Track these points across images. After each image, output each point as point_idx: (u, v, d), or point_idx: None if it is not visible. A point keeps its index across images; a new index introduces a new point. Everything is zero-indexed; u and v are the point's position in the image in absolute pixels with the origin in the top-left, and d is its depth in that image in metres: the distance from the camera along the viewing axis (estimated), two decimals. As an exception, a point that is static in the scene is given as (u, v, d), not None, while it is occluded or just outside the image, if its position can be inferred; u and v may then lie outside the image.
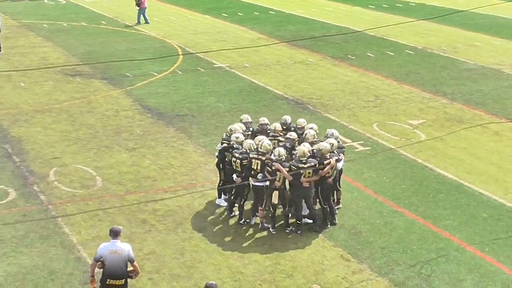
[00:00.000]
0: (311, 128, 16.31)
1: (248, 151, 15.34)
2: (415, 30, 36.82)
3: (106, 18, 40.62)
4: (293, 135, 16.21)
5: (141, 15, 38.68)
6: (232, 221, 15.59)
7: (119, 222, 15.27)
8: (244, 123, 16.87)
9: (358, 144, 20.28)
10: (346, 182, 17.36)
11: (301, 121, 17.04)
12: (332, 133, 16.11)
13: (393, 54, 31.63)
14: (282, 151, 15.09)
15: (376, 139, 20.68)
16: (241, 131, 16.23)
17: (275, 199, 15.03)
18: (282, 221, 15.40)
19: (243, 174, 15.35)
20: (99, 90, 25.49)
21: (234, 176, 15.57)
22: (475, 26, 38.40)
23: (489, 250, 14.52)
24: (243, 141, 15.63)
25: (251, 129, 16.96)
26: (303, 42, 33.30)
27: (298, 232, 15.09)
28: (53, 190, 17.01)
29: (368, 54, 31.53)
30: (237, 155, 15.44)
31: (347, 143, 19.99)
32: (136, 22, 38.54)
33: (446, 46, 33.21)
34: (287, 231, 15.13)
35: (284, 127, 16.93)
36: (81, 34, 35.50)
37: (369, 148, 20.02)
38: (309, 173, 14.88)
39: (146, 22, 38.53)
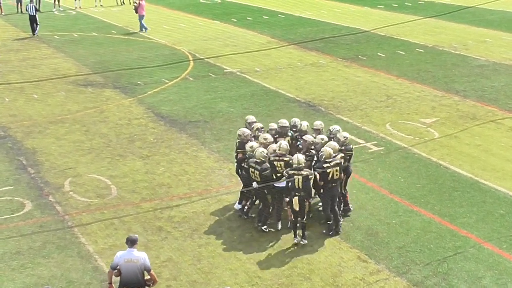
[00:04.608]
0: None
1: (263, 159, 15.00)
2: (425, 28, 36.75)
3: (116, 27, 40.77)
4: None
5: (141, 22, 38.97)
6: (248, 226, 15.58)
7: (135, 230, 15.32)
8: (249, 124, 16.79)
9: (371, 144, 20.22)
10: (361, 183, 17.35)
11: (295, 120, 17.04)
12: (338, 129, 16.14)
13: (403, 53, 31.55)
14: (301, 158, 14.70)
15: (389, 139, 20.62)
16: (249, 132, 16.10)
17: (296, 205, 14.63)
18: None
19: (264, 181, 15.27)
20: (111, 99, 25.58)
21: (254, 184, 15.24)
22: (485, 22, 38.26)
23: (507, 247, 14.43)
24: (256, 149, 15.28)
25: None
26: (314, 44, 33.28)
27: (330, 233, 14.98)
28: (69, 200, 17.07)
29: (379, 54, 31.47)
30: (253, 165, 15.07)
31: (360, 143, 19.98)
32: (139, 30, 38.94)
33: (457, 43, 33.09)
34: (295, 241, 14.83)
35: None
36: (91, 44, 35.67)
37: (383, 148, 19.96)
38: (336, 170, 14.83)
39: (141, 30, 38.84)
